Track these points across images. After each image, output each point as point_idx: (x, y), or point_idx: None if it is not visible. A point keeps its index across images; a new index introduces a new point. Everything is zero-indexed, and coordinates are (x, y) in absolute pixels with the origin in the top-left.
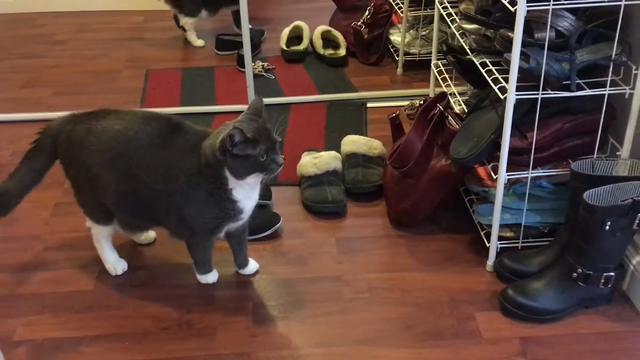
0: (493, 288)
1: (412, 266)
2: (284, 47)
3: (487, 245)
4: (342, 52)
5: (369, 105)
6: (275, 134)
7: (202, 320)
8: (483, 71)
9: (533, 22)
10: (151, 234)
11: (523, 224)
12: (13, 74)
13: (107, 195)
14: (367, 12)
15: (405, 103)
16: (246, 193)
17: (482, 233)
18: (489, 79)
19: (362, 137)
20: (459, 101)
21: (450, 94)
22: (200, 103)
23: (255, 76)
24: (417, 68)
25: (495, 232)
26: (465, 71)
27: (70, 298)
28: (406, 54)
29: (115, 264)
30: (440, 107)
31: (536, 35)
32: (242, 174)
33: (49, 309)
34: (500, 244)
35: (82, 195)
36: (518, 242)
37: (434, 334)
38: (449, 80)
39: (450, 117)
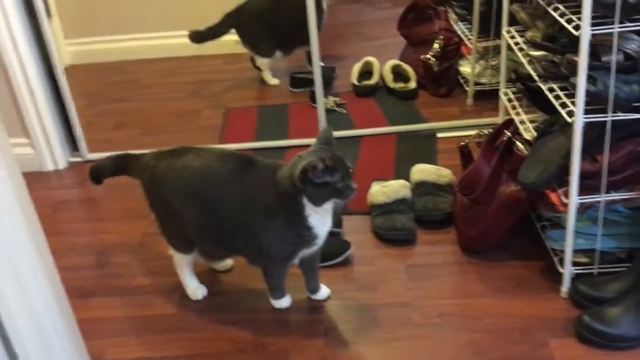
0: (568, 315)
1: (483, 293)
2: (355, 82)
3: (561, 271)
4: (413, 85)
5: (439, 135)
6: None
7: (276, 343)
8: (550, 96)
9: (599, 46)
10: (229, 262)
11: (598, 250)
12: (105, 117)
13: (188, 227)
14: (436, 45)
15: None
16: (321, 219)
17: (555, 259)
18: (556, 104)
19: (431, 165)
20: (529, 128)
21: (521, 122)
22: (275, 138)
23: (328, 111)
24: (488, 98)
25: (568, 257)
26: (535, 98)
27: (154, 321)
28: (476, 84)
29: (196, 290)
30: (508, 133)
31: (603, 59)
32: (320, 201)
33: (135, 330)
34: (575, 269)
35: (165, 226)
36: (593, 268)
37: None
38: (519, 108)
39: (518, 143)
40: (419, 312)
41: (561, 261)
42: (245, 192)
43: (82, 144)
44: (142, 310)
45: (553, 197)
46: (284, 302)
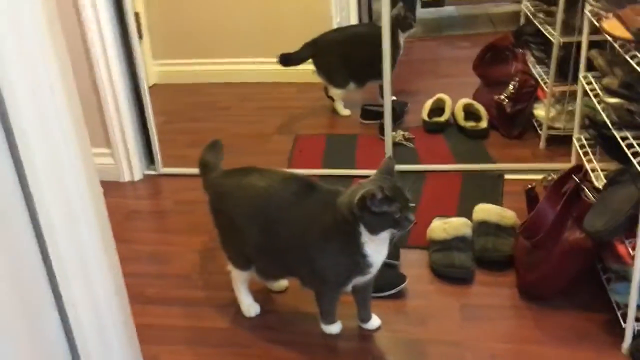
0: None
1: (539, 340)
2: (426, 118)
3: (623, 326)
4: (484, 124)
5: (506, 177)
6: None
7: None
8: (623, 144)
9: None
10: (283, 283)
11: None
12: (181, 134)
13: (247, 245)
14: (511, 87)
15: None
16: (376, 248)
17: (618, 313)
18: (628, 152)
19: (495, 205)
20: (599, 176)
21: (592, 170)
22: (341, 166)
23: (396, 144)
24: (561, 143)
25: (632, 312)
26: (609, 146)
27: (207, 333)
28: (550, 128)
29: (250, 307)
30: (576, 178)
31: None
32: (376, 230)
33: (188, 340)
34: (638, 326)
35: (226, 242)
36: None
37: None
38: (591, 155)
39: (586, 190)
40: (470, 352)
41: (624, 316)
42: (305, 214)
43: (158, 158)
44: (197, 321)
45: (620, 248)
46: (334, 328)
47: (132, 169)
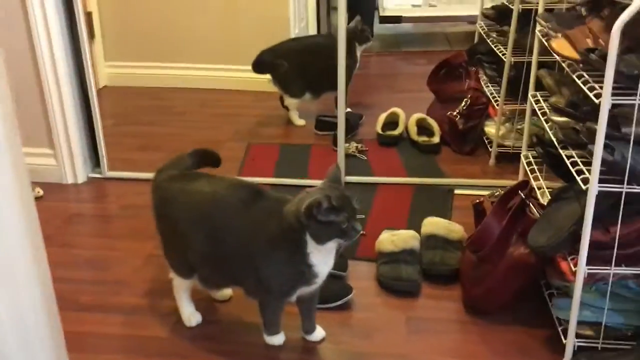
0: None
1: (482, 354)
2: (380, 131)
3: (564, 342)
4: (436, 139)
5: (456, 192)
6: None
7: None
8: (568, 162)
9: (621, 117)
10: (227, 292)
11: (604, 324)
12: (131, 138)
13: (191, 252)
14: (463, 103)
15: None
16: (322, 258)
17: (559, 329)
18: (572, 170)
19: (443, 219)
20: (545, 193)
21: (539, 188)
22: (293, 176)
23: (349, 156)
24: (510, 160)
25: (572, 328)
26: (554, 164)
27: (145, 342)
28: (500, 145)
29: (191, 316)
30: (522, 194)
31: (623, 130)
32: (322, 239)
33: (125, 350)
34: (578, 342)
35: (168, 248)
36: (598, 343)
37: None
38: (537, 172)
39: (531, 206)
40: None
41: (565, 332)
42: (251, 222)
43: (104, 161)
44: (135, 330)
45: (563, 265)
46: (277, 340)
47: (75, 171)
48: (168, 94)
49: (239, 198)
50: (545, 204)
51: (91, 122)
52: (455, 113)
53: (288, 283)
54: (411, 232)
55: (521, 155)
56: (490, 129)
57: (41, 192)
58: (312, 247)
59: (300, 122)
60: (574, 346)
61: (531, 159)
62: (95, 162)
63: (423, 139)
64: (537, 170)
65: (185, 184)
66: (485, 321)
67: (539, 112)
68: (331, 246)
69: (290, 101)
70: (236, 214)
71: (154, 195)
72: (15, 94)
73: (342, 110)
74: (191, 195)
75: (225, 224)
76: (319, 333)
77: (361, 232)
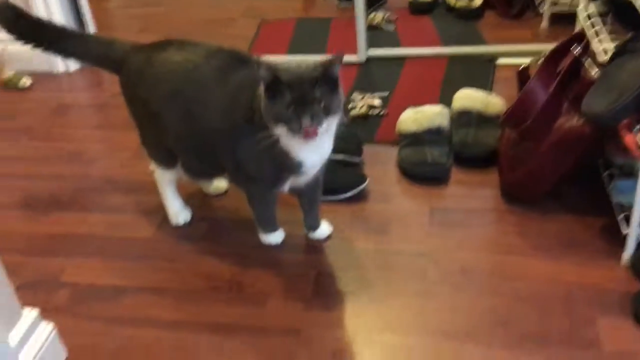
0: (626, 288)
1: (520, 249)
2: None
3: (625, 232)
4: (477, 2)
5: (499, 62)
6: (321, 94)
7: (256, 284)
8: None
9: None
10: (222, 185)
11: None
12: (134, 19)
13: (166, 135)
14: None
15: None
16: (299, 145)
17: (619, 217)
18: None
19: (479, 91)
20: (605, 49)
21: (602, 50)
22: (309, 52)
23: (374, 28)
24: (567, 23)
25: (637, 215)
26: (622, 10)
27: (126, 244)
28: (554, 4)
29: (178, 214)
30: (575, 52)
31: None
32: (268, 119)
33: (102, 252)
34: None
35: (144, 134)
36: None
37: (536, 336)
38: (598, 26)
39: (586, 65)
40: (437, 265)
41: (627, 219)
42: (228, 93)
43: None
44: (116, 230)
45: (627, 138)
46: (274, 238)
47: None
48: None
49: (216, 66)
50: (608, 60)
51: (76, 3)
52: None
53: (268, 170)
54: (437, 108)
55: (578, 10)
56: None
57: (28, 83)
58: (277, 129)
59: None
60: (638, 236)
61: (592, 10)
62: None
63: (462, 2)
64: (597, 23)
65: (152, 54)
66: (526, 210)
67: None
68: (284, 133)
69: None
70: (212, 85)
71: (120, 69)
72: None
73: None
74: (160, 66)
75: (199, 99)
76: (324, 229)
77: (303, 131)
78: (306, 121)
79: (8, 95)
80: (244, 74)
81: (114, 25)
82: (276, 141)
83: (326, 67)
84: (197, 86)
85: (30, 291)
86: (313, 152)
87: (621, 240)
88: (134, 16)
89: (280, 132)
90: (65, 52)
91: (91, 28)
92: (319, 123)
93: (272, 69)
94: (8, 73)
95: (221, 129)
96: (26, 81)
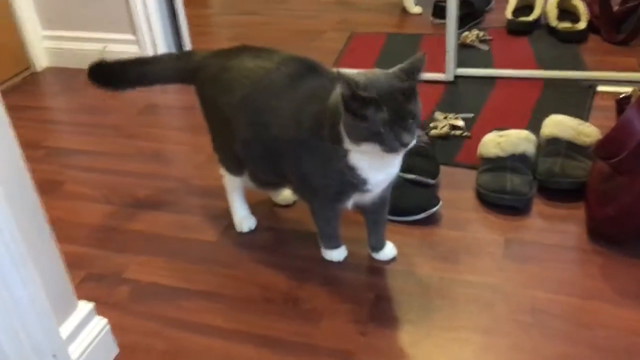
0: None
1: (603, 294)
2: (510, 17)
3: None
4: (582, 25)
5: (599, 89)
6: (414, 106)
7: (312, 300)
8: None
9: None
10: (290, 196)
11: None
12: (226, 27)
13: (235, 141)
14: None
15: None
16: (369, 162)
17: None
18: None
19: (572, 118)
20: None
21: None
22: None
23: (466, 46)
24: None
25: None
26: None
27: (189, 246)
28: None
29: (243, 220)
30: None
31: None
32: (353, 137)
33: (167, 252)
34: None
35: (215, 139)
36: None
37: None
38: None
39: None
40: (506, 301)
41: None
42: (296, 102)
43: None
44: (182, 231)
45: None
46: (336, 255)
47: None
48: None
49: (286, 74)
50: None
51: (174, 8)
52: None
53: (331, 184)
54: (524, 133)
55: None
56: None
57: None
58: (349, 144)
59: (416, 9)
60: None
61: None
62: (180, 51)
63: (565, 25)
64: None
65: (226, 60)
66: (613, 251)
67: None
68: (371, 150)
69: None
70: (281, 93)
71: (195, 77)
72: None
73: None
74: (233, 72)
75: (268, 106)
76: (388, 251)
77: (408, 145)
78: (406, 138)
79: (102, 92)
80: (313, 83)
81: (207, 32)
82: (344, 157)
83: (412, 74)
84: (266, 93)
85: (94, 284)
86: (379, 170)
87: None
88: (228, 24)
89: (366, 149)
90: (149, 81)
91: (185, 33)
92: (414, 137)
93: (360, 85)
94: None
95: (287, 138)
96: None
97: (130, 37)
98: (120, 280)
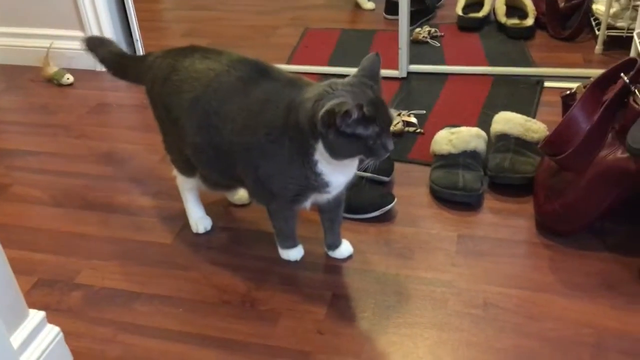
0: None
1: (551, 286)
2: (460, 13)
3: None
4: (529, 22)
5: (547, 84)
6: (391, 109)
7: (269, 301)
8: None
9: None
10: (246, 195)
11: None
12: (179, 22)
13: (185, 144)
14: None
15: None
16: (335, 168)
17: None
18: None
19: (520, 115)
20: None
21: None
22: (349, 65)
23: (419, 42)
24: (622, 46)
25: None
26: None
27: (144, 249)
28: (610, 27)
29: (198, 221)
30: (626, 78)
31: None
32: (340, 154)
33: (120, 256)
34: None
35: (167, 140)
36: None
37: None
38: None
39: (637, 94)
40: (459, 296)
41: None
42: (250, 106)
43: (139, 47)
44: (136, 234)
45: None
46: (293, 254)
47: None
48: None
49: (238, 77)
50: None
51: (123, 4)
52: None
53: (292, 188)
54: (474, 130)
55: (634, 34)
56: (600, 6)
57: (71, 79)
58: (320, 155)
59: (369, 5)
60: None
61: None
62: (132, 48)
63: (513, 21)
64: None
65: (177, 60)
66: (561, 245)
67: None
68: (349, 162)
69: None
70: (233, 95)
71: (145, 76)
72: None
73: None
74: (183, 73)
75: (219, 109)
76: (344, 249)
77: (392, 150)
78: (391, 144)
79: (51, 90)
80: (266, 88)
81: (159, 28)
82: (312, 164)
83: (375, 77)
84: (216, 96)
85: (45, 290)
86: (342, 173)
87: None
88: (181, 19)
89: (346, 162)
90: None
91: (135, 29)
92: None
93: (359, 109)
94: (53, 69)
95: (241, 143)
96: (69, 78)
97: (78, 33)
98: (72, 285)
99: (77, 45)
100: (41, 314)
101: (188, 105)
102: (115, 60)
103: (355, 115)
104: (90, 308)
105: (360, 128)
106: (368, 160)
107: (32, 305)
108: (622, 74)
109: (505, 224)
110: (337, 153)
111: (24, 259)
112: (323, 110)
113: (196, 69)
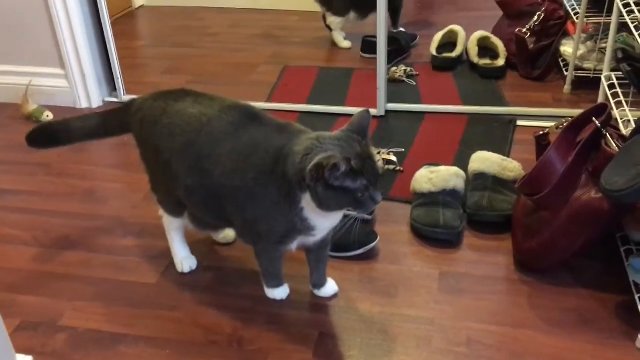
0: None
1: (531, 323)
2: (434, 53)
3: None
4: (501, 62)
5: (519, 123)
6: (379, 161)
7: (257, 341)
8: None
9: None
10: (231, 234)
11: None
12: (159, 60)
13: (175, 185)
14: (536, 18)
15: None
16: (321, 214)
17: (637, 296)
18: None
19: (496, 155)
20: (630, 121)
21: (622, 118)
22: (328, 103)
23: (395, 81)
24: (590, 87)
25: None
26: None
27: (129, 289)
28: (578, 69)
29: (184, 261)
30: (597, 122)
31: None
32: (327, 207)
33: (105, 297)
34: None
35: (154, 181)
36: None
37: None
38: (622, 97)
39: (609, 137)
40: (443, 334)
41: None
42: (240, 150)
43: (120, 84)
44: (120, 274)
45: None
46: (279, 293)
47: (89, 94)
48: (206, 14)
49: (228, 122)
50: (628, 135)
51: (104, 41)
52: (525, 30)
53: (278, 231)
54: (453, 169)
55: (602, 77)
56: (567, 48)
57: (50, 116)
58: (307, 204)
59: (345, 44)
60: None
61: (614, 81)
62: (112, 85)
63: (485, 61)
64: (620, 95)
65: (169, 104)
66: (540, 281)
67: (631, 25)
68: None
69: (332, 20)
70: (224, 140)
71: (133, 119)
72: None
73: (382, 28)
74: (174, 116)
75: (211, 153)
76: (329, 287)
77: (380, 202)
78: (379, 197)
79: (30, 128)
80: (256, 133)
81: (139, 65)
82: (298, 210)
83: (363, 132)
84: (209, 140)
85: (29, 333)
86: (328, 220)
87: (637, 320)
88: (161, 56)
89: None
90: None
91: (116, 66)
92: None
93: (347, 163)
94: (32, 106)
95: (231, 186)
96: (48, 115)
97: (59, 71)
98: (56, 328)
99: (57, 82)
100: (28, 359)
101: (180, 148)
102: (96, 126)
103: (343, 168)
104: (75, 351)
105: (348, 181)
106: (356, 212)
107: (17, 348)
108: (594, 118)
109: (485, 261)
110: (325, 205)
111: (6, 301)
112: (312, 164)
113: (188, 113)
